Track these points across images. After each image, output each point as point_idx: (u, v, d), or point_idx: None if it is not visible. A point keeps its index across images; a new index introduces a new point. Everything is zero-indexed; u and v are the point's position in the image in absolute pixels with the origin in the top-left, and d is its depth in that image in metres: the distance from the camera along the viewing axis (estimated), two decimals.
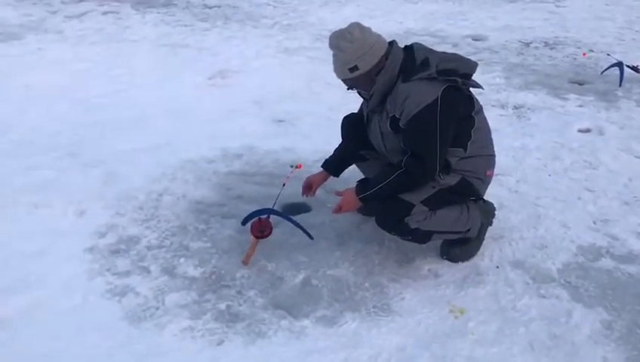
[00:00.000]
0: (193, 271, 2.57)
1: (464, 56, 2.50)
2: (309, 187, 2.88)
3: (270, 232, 2.65)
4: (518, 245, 2.77)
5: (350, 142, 2.81)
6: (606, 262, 2.68)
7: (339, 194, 2.63)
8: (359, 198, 2.52)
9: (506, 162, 3.46)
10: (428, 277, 2.57)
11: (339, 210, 2.59)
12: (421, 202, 2.46)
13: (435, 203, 2.49)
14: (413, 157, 2.38)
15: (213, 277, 2.54)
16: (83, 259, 2.65)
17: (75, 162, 3.53)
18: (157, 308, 2.37)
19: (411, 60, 2.41)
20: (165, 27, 6.27)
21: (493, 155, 2.64)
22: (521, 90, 4.68)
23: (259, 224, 2.64)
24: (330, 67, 2.50)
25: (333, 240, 2.79)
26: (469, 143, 2.47)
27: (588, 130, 4.03)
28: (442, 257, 2.68)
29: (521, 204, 3.11)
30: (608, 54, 5.14)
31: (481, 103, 2.56)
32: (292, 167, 2.90)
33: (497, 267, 2.62)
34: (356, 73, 2.41)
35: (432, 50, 2.48)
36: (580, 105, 4.44)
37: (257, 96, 4.55)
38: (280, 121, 4.13)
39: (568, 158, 3.61)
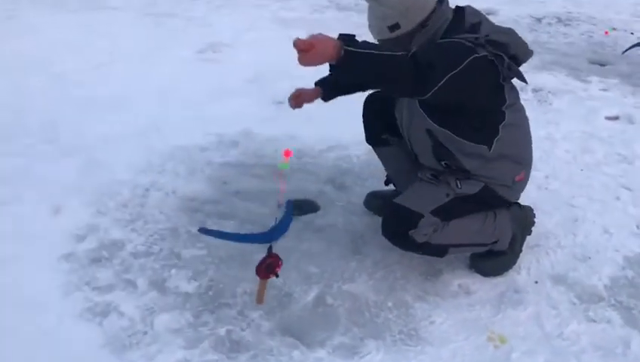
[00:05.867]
0: (186, 286, 2.21)
1: (520, 36, 2.10)
2: (297, 97, 2.47)
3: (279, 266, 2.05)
4: (557, 255, 2.44)
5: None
6: None
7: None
8: (344, 48, 1.72)
9: (533, 154, 3.11)
10: (459, 295, 2.23)
11: (310, 47, 1.69)
12: (431, 212, 2.10)
13: (448, 213, 2.14)
14: (425, 52, 1.86)
15: (210, 293, 2.18)
16: (58, 268, 2.28)
17: (50, 148, 3.12)
18: (145, 333, 2.00)
19: (459, 22, 2.00)
20: None
21: (525, 157, 2.26)
22: (539, 71, 4.31)
23: (265, 262, 2.00)
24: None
25: (347, 247, 2.44)
26: (495, 140, 2.09)
27: (616, 118, 3.69)
28: (471, 268, 2.34)
29: (554, 204, 2.77)
30: (632, 33, 4.78)
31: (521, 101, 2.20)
32: (282, 167, 2.10)
33: (536, 282, 2.28)
34: (397, 32, 1.98)
35: (487, 18, 2.07)
36: (604, 89, 4.09)
37: (253, 73, 4.14)
38: (279, 102, 3.72)
39: (600, 150, 3.27)
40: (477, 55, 1.88)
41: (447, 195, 2.14)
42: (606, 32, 4.93)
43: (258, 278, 1.97)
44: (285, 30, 5.11)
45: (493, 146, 2.10)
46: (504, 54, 1.95)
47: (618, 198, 2.85)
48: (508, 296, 2.22)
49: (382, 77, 1.84)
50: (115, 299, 2.13)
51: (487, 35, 1.94)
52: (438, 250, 2.20)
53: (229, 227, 2.54)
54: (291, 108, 2.51)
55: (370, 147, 3.16)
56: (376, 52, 1.79)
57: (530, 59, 2.13)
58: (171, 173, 2.91)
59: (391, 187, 2.61)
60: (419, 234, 2.09)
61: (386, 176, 2.61)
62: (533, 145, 2.92)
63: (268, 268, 1.96)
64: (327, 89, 2.49)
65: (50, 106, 3.56)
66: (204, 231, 2.10)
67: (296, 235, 2.48)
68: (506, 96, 2.08)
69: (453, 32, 1.97)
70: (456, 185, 2.14)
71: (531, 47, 2.15)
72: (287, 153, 1.97)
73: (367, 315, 2.11)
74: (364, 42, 1.83)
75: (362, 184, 2.87)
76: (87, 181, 2.83)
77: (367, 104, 2.48)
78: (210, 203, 2.70)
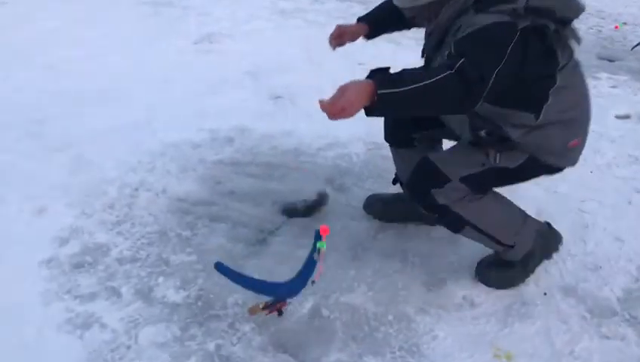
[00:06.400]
0: (174, 295, 2.08)
1: None
2: (338, 36, 2.24)
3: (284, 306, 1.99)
4: (566, 264, 2.31)
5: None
6: None
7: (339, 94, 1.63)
8: (378, 94, 1.60)
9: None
10: (463, 307, 2.10)
11: (340, 112, 1.60)
12: (460, 179, 1.94)
13: (479, 183, 1.97)
14: (469, 60, 1.64)
15: (200, 303, 2.05)
16: (38, 274, 2.14)
17: (37, 144, 2.97)
18: (128, 347, 1.87)
19: None
20: None
21: (580, 121, 1.98)
22: None
23: (275, 306, 1.95)
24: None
25: (345, 254, 2.31)
26: (544, 106, 1.84)
27: (627, 117, 3.55)
28: (476, 277, 2.21)
29: (563, 209, 2.64)
30: None
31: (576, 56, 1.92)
32: (316, 249, 1.85)
33: (545, 294, 2.15)
34: (423, 1, 1.83)
35: None
36: (614, 86, 3.96)
37: (250, 65, 4.00)
38: (277, 97, 3.59)
39: (610, 151, 3.14)
40: (519, 32, 1.67)
41: (483, 165, 1.94)
42: (616, 27, 4.78)
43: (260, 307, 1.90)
44: (285, 21, 4.98)
45: (541, 114, 1.85)
46: (550, 20, 1.73)
47: (630, 203, 2.73)
48: (515, 308, 2.09)
49: (428, 107, 1.73)
50: (98, 310, 1.99)
51: (527, 1, 1.71)
52: (454, 221, 2.02)
53: (221, 230, 2.41)
54: (332, 49, 2.27)
55: (370, 146, 3.06)
56: (416, 85, 1.61)
57: None
58: (162, 171, 2.78)
59: (396, 188, 2.47)
60: (441, 196, 1.94)
61: (395, 175, 2.45)
62: None
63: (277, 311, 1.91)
64: (372, 25, 2.25)
65: (39, 99, 3.41)
66: (221, 268, 1.95)
67: (292, 240, 2.36)
68: (559, 57, 1.82)
69: (487, 0, 1.75)
70: (495, 159, 1.93)
71: None
72: (324, 231, 1.82)
73: (367, 329, 1.98)
74: (401, 74, 1.66)
75: (362, 185, 2.73)
76: (74, 179, 2.70)
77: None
78: (201, 204, 2.56)
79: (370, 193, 2.59)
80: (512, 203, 2.11)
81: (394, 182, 2.47)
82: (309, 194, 2.60)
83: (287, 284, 1.90)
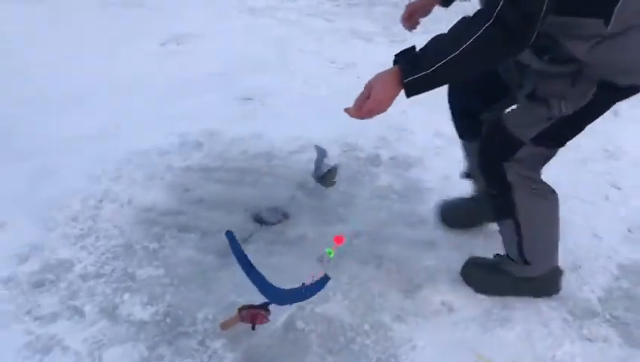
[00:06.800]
0: (141, 312, 1.98)
1: None
2: (409, 16, 2.08)
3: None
4: None
5: None
6: None
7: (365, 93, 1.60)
8: (405, 84, 1.53)
9: None
10: (441, 313, 2.03)
11: (369, 114, 1.59)
12: (532, 140, 1.76)
13: (553, 138, 1.78)
14: (512, 9, 1.43)
15: (168, 320, 1.95)
16: None
17: (1, 153, 2.85)
18: None
19: None
20: None
21: None
22: None
23: (256, 313, 1.84)
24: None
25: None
26: (614, 9, 1.50)
27: None
28: (460, 274, 2.14)
29: None
30: None
31: None
32: (329, 252, 1.85)
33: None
34: None
35: None
36: None
37: (219, 66, 3.90)
38: (247, 98, 3.50)
39: (585, 146, 3.08)
40: None
41: (549, 119, 1.72)
42: None
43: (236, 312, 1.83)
44: (254, 20, 4.88)
45: (612, 18, 1.51)
46: None
47: (607, 198, 2.69)
48: (495, 312, 2.03)
49: (471, 70, 1.57)
50: (60, 332, 1.89)
51: None
52: (504, 209, 1.92)
53: (189, 240, 2.31)
54: (407, 30, 2.12)
55: (344, 148, 2.99)
56: (451, 56, 1.47)
57: None
58: (127, 179, 2.67)
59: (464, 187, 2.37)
60: (511, 170, 1.82)
61: (466, 170, 2.33)
62: None
63: (253, 317, 1.81)
64: None
65: (5, 106, 3.29)
66: (230, 238, 1.88)
67: (264, 248, 2.28)
68: None
69: None
70: (560, 109, 1.68)
71: None
72: (338, 240, 1.80)
73: (343, 341, 1.91)
74: (427, 49, 1.52)
75: (336, 188, 2.63)
76: (37, 191, 2.58)
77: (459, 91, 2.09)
78: (169, 214, 2.46)
79: (345, 196, 2.54)
80: (558, 229, 2.01)
81: (463, 176, 2.36)
82: (281, 199, 2.54)
83: (282, 290, 1.82)
